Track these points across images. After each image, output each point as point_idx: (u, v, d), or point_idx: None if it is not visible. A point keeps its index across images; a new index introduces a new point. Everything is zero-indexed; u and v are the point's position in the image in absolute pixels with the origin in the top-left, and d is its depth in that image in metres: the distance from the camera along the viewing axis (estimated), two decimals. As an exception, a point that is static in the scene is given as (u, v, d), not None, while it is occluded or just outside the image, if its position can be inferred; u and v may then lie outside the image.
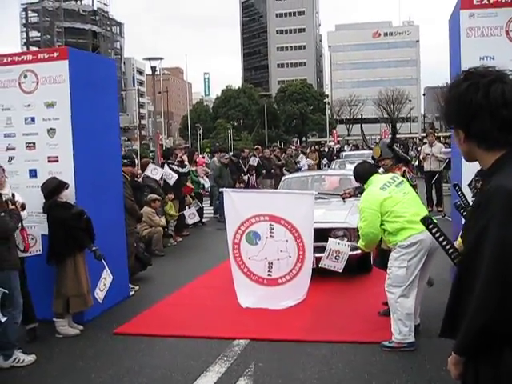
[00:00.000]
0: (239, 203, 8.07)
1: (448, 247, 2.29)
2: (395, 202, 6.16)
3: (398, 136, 8.42)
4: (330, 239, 7.60)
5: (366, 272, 9.11)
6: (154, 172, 12.78)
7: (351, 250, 8.62)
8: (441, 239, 2.29)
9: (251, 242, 7.96)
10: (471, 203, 3.57)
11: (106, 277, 7.25)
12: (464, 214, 2.87)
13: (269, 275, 7.95)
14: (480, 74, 2.16)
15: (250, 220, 7.92)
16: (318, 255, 8.39)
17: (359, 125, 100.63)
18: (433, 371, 5.51)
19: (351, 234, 8.97)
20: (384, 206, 6.14)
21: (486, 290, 1.97)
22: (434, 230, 2.30)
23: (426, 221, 2.33)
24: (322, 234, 8.66)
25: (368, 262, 9.09)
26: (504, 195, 1.99)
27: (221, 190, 9.04)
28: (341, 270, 7.44)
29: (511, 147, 2.11)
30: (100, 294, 7.22)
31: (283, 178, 12.37)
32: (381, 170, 7.35)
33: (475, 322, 2.00)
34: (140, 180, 12.53)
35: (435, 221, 2.37)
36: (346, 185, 10.91)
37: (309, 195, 8.16)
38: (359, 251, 8.61)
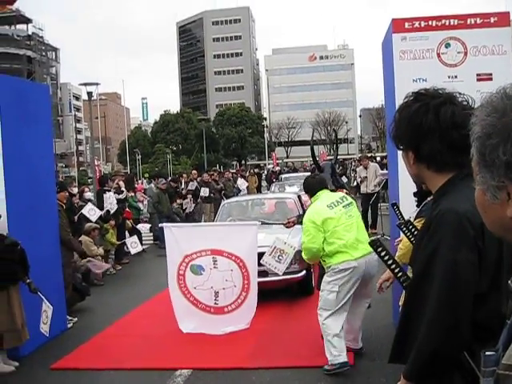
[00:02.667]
0: (180, 238, 8.00)
1: (397, 270, 2.26)
2: (338, 223, 6.12)
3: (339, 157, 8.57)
4: (277, 236, 7.59)
5: (308, 295, 9.08)
6: (91, 212, 12.35)
7: (293, 274, 8.71)
8: (389, 262, 2.27)
9: (196, 272, 7.88)
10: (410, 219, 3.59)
11: (46, 309, 7.02)
12: (405, 231, 2.85)
13: (215, 304, 7.86)
14: (430, 95, 2.16)
15: (191, 255, 7.84)
16: (259, 280, 8.44)
17: (298, 147, 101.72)
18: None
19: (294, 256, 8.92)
20: (326, 224, 6.11)
21: (435, 315, 1.95)
22: (382, 253, 2.28)
23: (374, 243, 2.30)
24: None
25: (310, 284, 9.09)
26: (454, 218, 1.98)
27: (160, 225, 8.95)
28: (281, 273, 7.55)
29: (460, 169, 2.10)
30: (44, 327, 7.03)
31: (222, 203, 12.28)
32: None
33: (425, 348, 1.97)
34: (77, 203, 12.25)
35: (383, 244, 2.35)
36: (285, 208, 11.14)
37: (252, 226, 8.13)
38: (301, 274, 8.79)
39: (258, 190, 28.32)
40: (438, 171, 2.16)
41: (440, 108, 2.10)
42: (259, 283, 8.30)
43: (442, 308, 1.94)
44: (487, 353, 1.22)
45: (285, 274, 8.52)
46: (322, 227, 6.09)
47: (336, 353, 5.97)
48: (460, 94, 2.17)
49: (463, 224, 1.96)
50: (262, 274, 8.62)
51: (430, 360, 1.98)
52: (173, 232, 8.09)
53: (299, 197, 11.53)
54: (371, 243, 2.33)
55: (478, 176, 1.31)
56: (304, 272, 8.99)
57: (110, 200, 13.22)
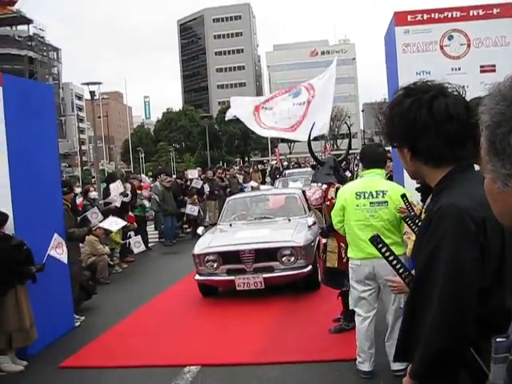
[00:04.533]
0: None
1: (398, 267, 2.23)
2: (354, 217, 5.66)
3: (340, 152, 8.51)
4: None
5: (314, 290, 9.10)
6: (94, 216, 12.34)
7: (298, 269, 8.83)
8: (390, 258, 2.24)
9: None
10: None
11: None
12: (412, 226, 2.83)
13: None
14: (421, 89, 2.12)
15: None
16: (265, 275, 8.64)
17: (301, 143, 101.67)
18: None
19: (298, 252, 8.94)
20: (344, 211, 5.73)
21: (439, 313, 1.93)
22: (383, 250, 2.24)
23: (374, 240, 2.27)
24: (268, 254, 8.95)
25: (316, 279, 9.08)
26: (455, 214, 1.95)
27: None
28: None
29: (459, 162, 2.08)
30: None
31: (227, 199, 12.31)
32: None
33: (430, 347, 1.95)
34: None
35: (384, 240, 2.32)
36: (290, 203, 11.25)
37: None
38: (306, 269, 8.79)
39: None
40: (436, 166, 2.12)
41: (433, 102, 2.06)
42: (265, 279, 8.58)
43: (445, 306, 1.92)
44: (498, 339, 1.22)
45: (290, 269, 8.87)
46: (342, 210, 5.78)
47: (360, 359, 5.77)
48: (449, 84, 2.14)
49: (464, 220, 1.93)
50: (267, 269, 8.80)
51: (436, 358, 1.96)
52: None
53: (303, 192, 11.33)
54: (371, 239, 2.29)
55: (488, 165, 1.30)
56: (310, 267, 8.98)
57: (116, 191, 13.30)
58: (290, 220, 10.18)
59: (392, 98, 2.23)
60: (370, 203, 5.59)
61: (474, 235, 1.92)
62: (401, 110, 2.12)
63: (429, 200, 3.66)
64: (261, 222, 10.51)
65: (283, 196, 12.28)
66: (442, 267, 1.93)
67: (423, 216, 3.40)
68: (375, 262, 5.38)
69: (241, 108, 13.11)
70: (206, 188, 19.08)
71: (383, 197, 5.58)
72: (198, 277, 9.32)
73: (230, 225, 10.48)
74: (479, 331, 1.84)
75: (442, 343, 1.92)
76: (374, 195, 5.60)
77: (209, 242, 9.58)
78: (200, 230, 10.78)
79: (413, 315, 2.06)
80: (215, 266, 9.11)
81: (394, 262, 2.23)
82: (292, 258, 8.91)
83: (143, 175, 29.66)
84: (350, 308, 6.08)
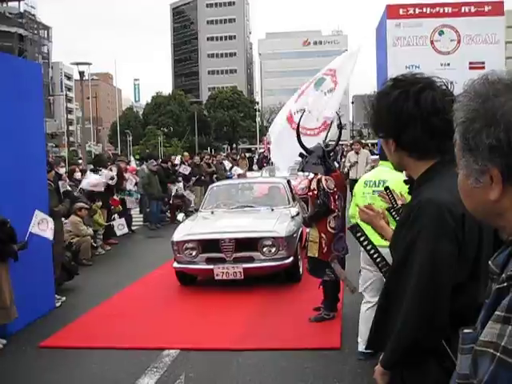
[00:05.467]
0: None
1: (375, 256, 2.26)
2: (360, 204, 5.81)
3: (330, 143, 8.43)
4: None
5: (295, 282, 9.08)
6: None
7: (279, 260, 8.70)
8: (368, 248, 2.27)
9: None
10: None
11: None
12: (396, 217, 2.85)
13: None
14: (409, 81, 2.13)
15: None
16: (245, 266, 8.59)
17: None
18: (364, 377, 5.57)
19: (279, 243, 8.74)
20: (355, 197, 6.00)
21: (413, 305, 1.95)
22: (361, 239, 2.27)
23: (353, 228, 2.30)
24: (249, 244, 8.77)
25: (297, 271, 9.15)
26: (434, 209, 1.96)
27: None
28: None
29: (442, 156, 2.09)
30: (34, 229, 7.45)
31: (210, 186, 12.11)
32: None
33: (403, 337, 1.98)
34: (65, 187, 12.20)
35: (363, 230, 2.34)
36: (274, 193, 11.11)
37: None
38: (288, 261, 8.69)
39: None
40: (419, 158, 2.13)
41: (420, 94, 2.07)
42: (245, 269, 8.53)
43: (419, 298, 1.94)
44: (465, 330, 1.26)
45: (271, 260, 8.70)
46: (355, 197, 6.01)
47: (360, 340, 5.92)
48: (438, 78, 2.15)
49: (443, 215, 1.95)
50: (247, 259, 8.73)
51: (408, 349, 1.99)
52: None
53: (288, 182, 11.37)
54: (350, 228, 2.32)
55: (461, 161, 1.33)
56: (291, 259, 8.83)
57: (106, 177, 13.42)
58: (273, 210, 10.06)
59: (380, 89, 2.24)
60: (373, 191, 5.75)
61: (452, 231, 1.94)
62: (387, 100, 2.13)
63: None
64: (243, 211, 10.38)
65: (267, 185, 12.11)
66: (417, 260, 1.95)
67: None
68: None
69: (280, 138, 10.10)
70: (185, 169, 18.91)
71: (382, 186, 5.55)
72: (175, 264, 9.14)
73: (212, 212, 10.34)
74: (451, 324, 1.86)
75: (414, 334, 1.95)
76: (377, 184, 5.76)
77: (189, 229, 9.40)
78: (180, 216, 10.76)
79: (387, 306, 2.09)
80: (194, 253, 8.92)
81: (372, 251, 2.26)
82: (273, 249, 8.72)
83: (132, 158, 29.48)
84: (360, 291, 6.12)
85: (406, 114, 2.08)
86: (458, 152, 1.34)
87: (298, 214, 9.36)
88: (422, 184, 2.12)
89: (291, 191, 10.78)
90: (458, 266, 1.94)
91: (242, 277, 8.57)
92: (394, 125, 2.12)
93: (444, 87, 2.12)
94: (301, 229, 9.59)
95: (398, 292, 2.02)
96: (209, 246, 8.89)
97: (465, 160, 1.30)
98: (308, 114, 8.29)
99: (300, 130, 7.74)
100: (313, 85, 8.99)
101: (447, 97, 2.06)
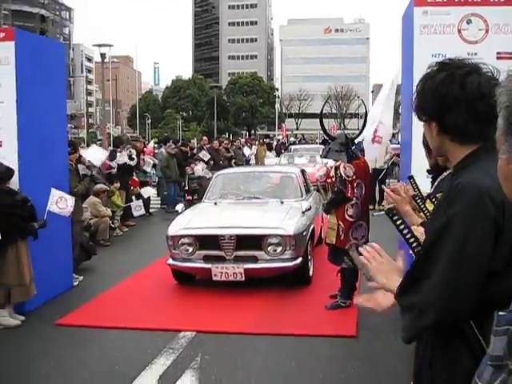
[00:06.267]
0: None
1: (412, 241, 2.25)
2: None
3: (347, 132, 8.36)
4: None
5: (303, 285, 8.25)
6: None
7: (286, 261, 7.82)
8: (405, 232, 2.25)
9: None
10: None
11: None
12: (421, 204, 2.84)
13: None
14: (456, 65, 2.10)
15: None
16: (247, 266, 7.75)
17: (308, 119, 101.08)
18: (379, 363, 5.57)
19: (286, 242, 7.81)
20: None
21: (437, 289, 1.93)
22: (398, 222, 2.26)
23: (390, 211, 2.29)
24: (252, 241, 7.88)
25: (305, 274, 8.33)
26: (474, 193, 1.92)
27: None
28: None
29: (484, 142, 2.05)
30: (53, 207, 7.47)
31: (215, 174, 11.03)
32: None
33: (424, 318, 1.97)
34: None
35: (399, 213, 2.34)
36: (286, 184, 10.09)
37: None
38: (295, 262, 7.87)
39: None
40: (461, 143, 2.10)
41: (466, 78, 2.04)
42: (246, 270, 7.73)
43: (444, 283, 1.90)
44: (500, 313, 1.25)
45: (276, 260, 7.85)
46: None
47: None
48: (484, 64, 2.13)
49: (483, 199, 1.90)
50: (250, 259, 7.89)
51: (424, 329, 2.00)
52: None
53: (303, 171, 10.63)
54: (387, 211, 2.31)
55: (503, 145, 1.31)
56: (299, 260, 7.91)
57: (121, 158, 13.53)
58: (282, 203, 9.10)
59: (426, 72, 2.21)
60: None
61: (490, 215, 1.90)
62: (433, 83, 2.09)
63: (438, 180, 3.66)
64: (250, 203, 9.47)
65: (279, 175, 11.03)
66: (449, 244, 1.92)
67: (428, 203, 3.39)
68: None
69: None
70: (204, 154, 18.78)
71: None
72: (170, 261, 8.30)
73: (215, 203, 9.43)
74: (486, 312, 1.84)
75: (436, 316, 1.93)
76: None
77: (186, 222, 8.54)
78: (179, 207, 9.72)
79: (414, 284, 2.06)
80: (190, 250, 8.04)
81: (408, 235, 2.24)
82: (279, 248, 7.79)
83: (152, 142, 29.53)
84: None
85: (451, 97, 2.04)
86: (500, 136, 1.32)
87: (309, 209, 8.68)
88: (462, 168, 2.09)
89: (306, 182, 10.31)
90: (495, 253, 1.91)
91: (243, 278, 7.75)
92: (439, 108, 2.09)
93: (490, 73, 2.09)
94: (312, 225, 8.86)
95: (424, 271, 1.98)
96: (207, 242, 8.02)
97: (508, 144, 1.28)
98: (380, 124, 8.08)
99: (375, 138, 7.67)
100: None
101: (493, 82, 2.03)
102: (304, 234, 8.21)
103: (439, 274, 1.93)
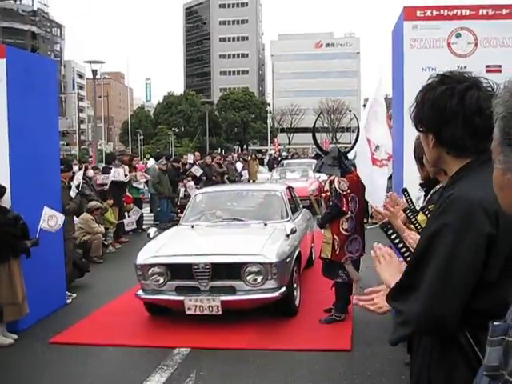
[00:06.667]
0: None
1: (407, 255, 2.27)
2: None
3: (339, 146, 8.35)
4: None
5: (289, 316, 7.50)
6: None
7: (268, 292, 7.06)
8: (400, 246, 2.27)
9: None
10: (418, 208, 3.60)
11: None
12: (412, 218, 2.85)
13: None
14: (456, 78, 2.13)
15: None
16: (224, 298, 6.94)
17: (300, 134, 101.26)
18: (373, 376, 5.55)
19: (268, 270, 6.99)
20: None
21: (425, 300, 1.94)
22: (392, 236, 2.28)
23: (385, 225, 2.30)
24: (230, 270, 7.11)
25: (291, 304, 7.54)
26: (464, 205, 1.94)
27: None
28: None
29: (479, 155, 2.08)
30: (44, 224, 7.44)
31: (194, 193, 10.36)
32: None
33: (411, 329, 1.99)
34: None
35: (394, 227, 2.35)
36: (271, 203, 9.37)
37: None
38: (278, 292, 7.07)
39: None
40: (457, 156, 2.13)
41: (466, 93, 2.07)
42: (223, 302, 6.93)
43: (431, 293, 1.92)
44: (495, 323, 1.26)
45: (257, 291, 7.04)
46: None
47: None
48: (485, 79, 2.15)
49: (475, 212, 1.92)
50: (227, 290, 7.10)
51: (408, 338, 2.05)
52: None
53: (289, 188, 10.03)
54: (382, 226, 2.32)
55: (499, 155, 1.32)
56: (283, 289, 7.09)
57: (117, 174, 13.59)
58: (266, 224, 8.28)
59: (426, 83, 2.23)
60: None
61: (481, 228, 1.91)
62: (433, 95, 2.12)
63: (431, 193, 3.69)
64: (230, 225, 8.67)
65: (262, 193, 10.14)
66: (436, 254, 1.94)
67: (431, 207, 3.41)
68: None
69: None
70: (196, 170, 18.71)
71: None
72: (140, 292, 7.46)
73: (192, 226, 8.59)
74: (480, 323, 1.84)
75: (416, 328, 1.96)
76: None
77: (157, 249, 7.66)
78: (152, 231, 8.46)
79: (402, 292, 2.07)
80: (161, 281, 7.23)
81: (403, 249, 2.27)
82: (260, 278, 7.00)
83: (150, 159, 29.51)
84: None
85: (450, 111, 2.08)
86: (496, 147, 1.33)
87: (295, 231, 7.85)
88: (456, 181, 2.11)
89: (293, 199, 9.89)
90: (489, 264, 1.92)
91: (220, 311, 6.94)
92: (436, 120, 2.12)
93: (490, 88, 2.11)
94: (298, 249, 8.02)
95: (413, 281, 2.00)
96: (179, 271, 7.23)
97: (503, 155, 1.30)
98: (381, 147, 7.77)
99: (375, 161, 7.54)
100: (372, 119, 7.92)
101: (492, 98, 2.06)
102: (288, 260, 7.38)
103: (425, 288, 1.95)
